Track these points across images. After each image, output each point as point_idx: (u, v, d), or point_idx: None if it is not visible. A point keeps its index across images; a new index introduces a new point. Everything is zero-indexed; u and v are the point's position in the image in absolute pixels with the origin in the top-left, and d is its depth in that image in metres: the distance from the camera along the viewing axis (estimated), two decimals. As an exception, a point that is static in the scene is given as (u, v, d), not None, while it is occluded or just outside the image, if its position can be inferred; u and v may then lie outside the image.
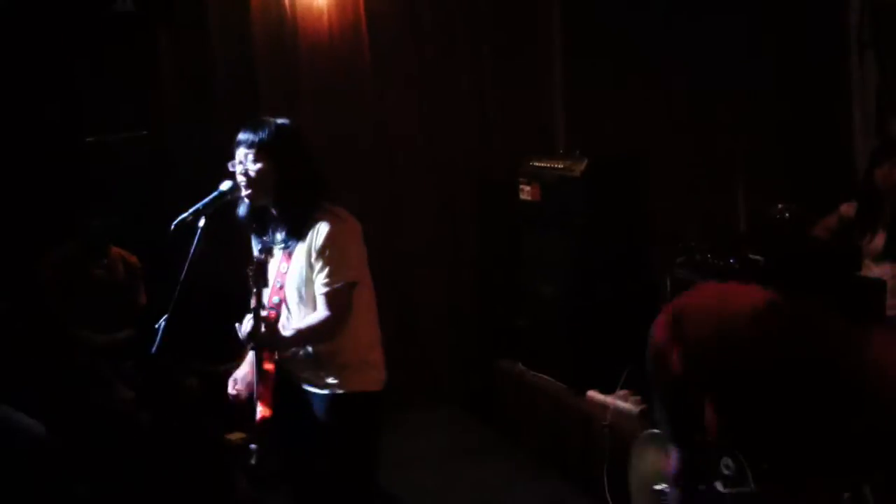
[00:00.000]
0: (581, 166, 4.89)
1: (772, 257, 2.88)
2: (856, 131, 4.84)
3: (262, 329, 3.13)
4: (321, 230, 3.16)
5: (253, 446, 3.15)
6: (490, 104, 6.15)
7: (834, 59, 4.89)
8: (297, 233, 3.21)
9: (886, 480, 2.34)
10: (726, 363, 2.49)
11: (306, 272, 3.19)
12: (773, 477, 2.45)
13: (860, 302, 2.57)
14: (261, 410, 3.14)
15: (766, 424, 2.46)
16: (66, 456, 4.30)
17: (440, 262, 6.09)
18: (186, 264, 3.09)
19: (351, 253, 3.23)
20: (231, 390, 3.38)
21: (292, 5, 5.57)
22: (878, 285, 3.46)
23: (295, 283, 3.22)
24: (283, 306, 3.27)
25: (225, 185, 3.22)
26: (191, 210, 3.13)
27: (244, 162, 3.18)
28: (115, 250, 5.03)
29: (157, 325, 3.09)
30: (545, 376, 5.26)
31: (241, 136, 3.20)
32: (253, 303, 3.12)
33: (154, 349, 3.07)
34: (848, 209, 4.52)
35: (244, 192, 3.20)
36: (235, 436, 4.61)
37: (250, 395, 3.26)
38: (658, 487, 2.93)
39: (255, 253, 3.33)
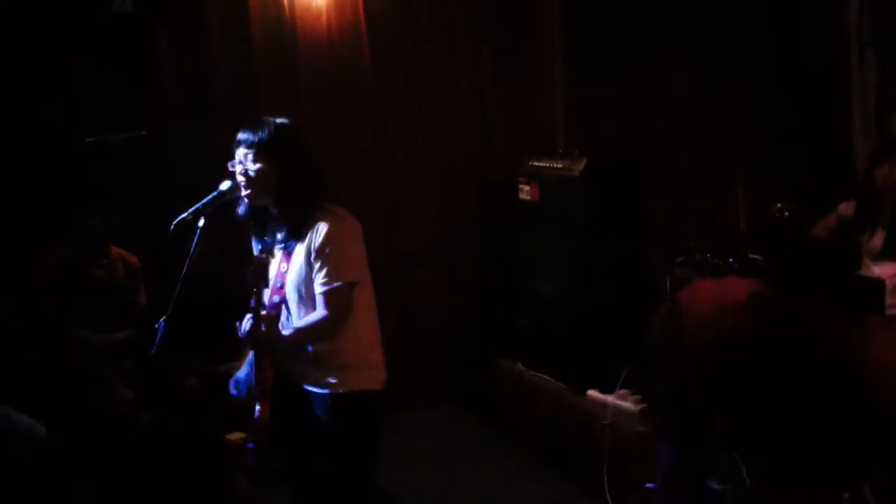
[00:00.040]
0: (580, 166, 4.89)
1: (771, 257, 2.88)
2: (855, 131, 4.84)
3: (262, 328, 3.13)
4: (320, 230, 3.16)
5: (251, 445, 3.15)
6: (490, 104, 6.15)
7: (834, 59, 4.89)
8: (297, 232, 3.21)
9: (886, 480, 2.35)
10: (724, 354, 2.50)
11: (306, 272, 3.19)
12: (768, 475, 2.45)
13: (860, 301, 2.57)
14: (259, 409, 3.14)
15: (764, 422, 2.46)
16: (66, 456, 4.30)
17: (440, 262, 6.09)
18: (186, 264, 3.08)
19: (350, 253, 3.23)
20: (233, 391, 3.38)
21: (291, 5, 5.57)
22: (878, 284, 3.47)
23: (295, 283, 3.22)
24: (283, 306, 3.27)
25: (224, 185, 3.22)
26: (190, 210, 3.13)
27: (244, 162, 3.18)
28: (115, 250, 5.03)
29: (156, 325, 3.09)
30: (545, 376, 5.26)
31: (241, 136, 3.20)
32: (253, 302, 3.12)
33: (154, 349, 3.07)
34: (846, 208, 4.53)
35: (244, 192, 3.20)
36: (235, 436, 4.61)
37: (251, 396, 3.26)
38: (650, 486, 2.93)
39: (256, 253, 3.34)
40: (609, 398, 4.52)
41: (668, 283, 4.01)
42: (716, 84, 5.32)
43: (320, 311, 3.19)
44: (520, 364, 5.52)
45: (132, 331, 4.94)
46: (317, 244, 3.16)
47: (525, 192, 5.33)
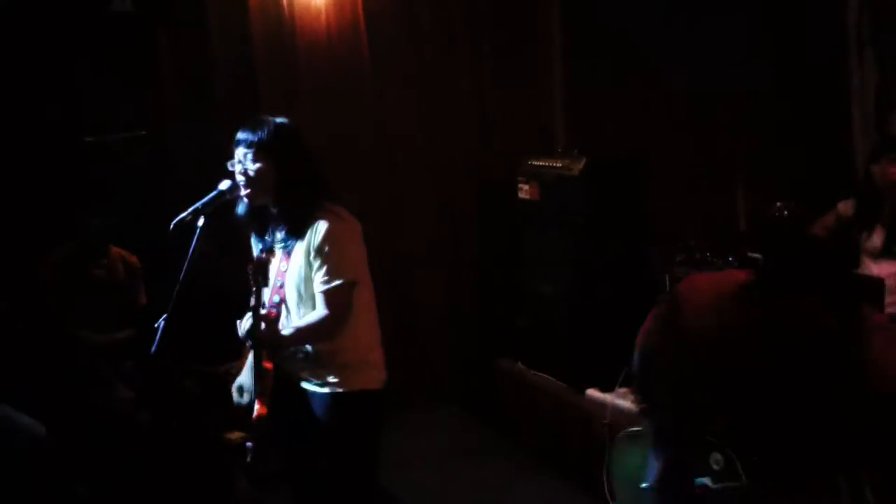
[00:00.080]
0: (579, 165, 4.90)
1: (771, 256, 2.87)
2: (855, 130, 4.84)
3: (262, 328, 3.14)
4: (320, 229, 3.16)
5: (249, 444, 3.15)
6: (490, 104, 6.14)
7: (833, 59, 4.89)
8: (297, 232, 3.21)
9: (886, 479, 2.34)
10: (723, 344, 2.49)
11: (305, 271, 3.20)
12: (765, 471, 2.44)
13: (858, 299, 2.57)
14: (257, 408, 3.14)
15: (762, 418, 2.46)
16: (66, 456, 4.30)
17: (440, 261, 6.09)
18: (185, 264, 3.08)
19: (350, 252, 3.23)
20: (236, 398, 3.38)
21: (290, 5, 5.57)
22: (877, 283, 3.48)
23: (294, 282, 3.22)
24: (283, 305, 3.28)
25: (224, 185, 3.23)
26: (190, 209, 3.13)
27: (243, 161, 3.18)
28: (115, 250, 5.03)
29: (156, 325, 3.09)
30: (545, 375, 5.26)
31: (241, 136, 3.20)
32: (253, 301, 3.12)
33: (153, 349, 3.07)
34: (845, 207, 4.54)
35: (243, 192, 3.20)
36: (235, 435, 4.62)
37: (252, 399, 3.26)
38: (643, 485, 2.92)
39: (256, 252, 3.34)
40: (608, 397, 4.52)
41: (667, 282, 4.02)
42: (716, 84, 5.32)
43: (320, 311, 3.19)
44: (519, 363, 5.52)
45: (132, 331, 4.94)
46: (316, 243, 3.16)
47: (524, 191, 5.33)
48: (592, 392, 4.79)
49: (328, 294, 3.17)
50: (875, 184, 4.41)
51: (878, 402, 2.32)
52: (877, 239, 4.39)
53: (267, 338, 3.17)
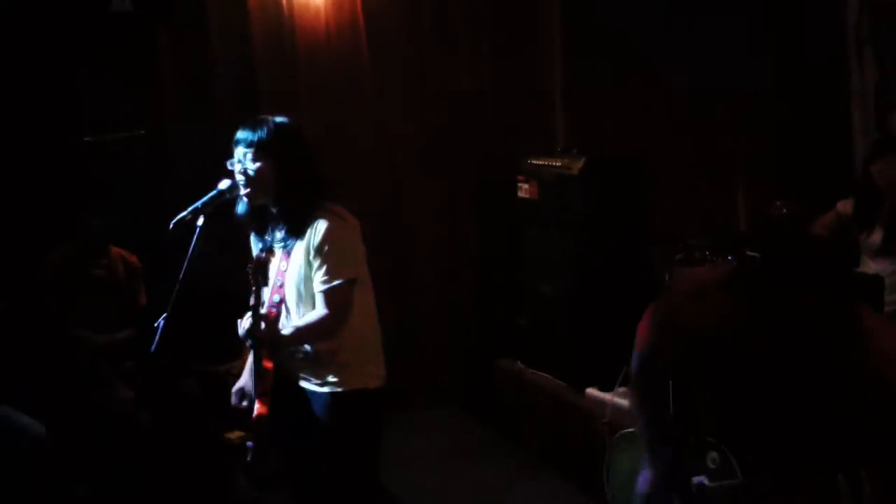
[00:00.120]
0: (579, 164, 4.90)
1: (768, 254, 2.88)
2: (855, 130, 4.84)
3: (262, 327, 3.13)
4: (320, 228, 3.16)
5: (249, 444, 3.15)
6: (490, 104, 6.15)
7: (833, 59, 4.89)
8: (297, 231, 3.21)
9: (883, 468, 2.34)
10: (722, 345, 2.50)
11: (305, 270, 3.19)
12: (761, 467, 2.44)
13: (858, 298, 2.57)
14: (257, 408, 3.13)
15: (761, 415, 2.46)
16: (66, 456, 4.30)
17: (440, 261, 6.09)
18: (185, 263, 3.08)
19: (350, 251, 3.23)
20: (234, 401, 3.38)
21: (289, 4, 5.58)
22: (876, 282, 3.48)
23: (294, 282, 3.22)
24: (283, 305, 3.27)
25: (223, 184, 3.22)
26: (189, 209, 3.12)
27: (243, 161, 3.18)
28: (115, 250, 5.03)
29: (156, 325, 3.08)
30: (545, 375, 5.27)
31: (240, 135, 3.19)
32: (252, 301, 3.12)
33: (153, 348, 3.07)
34: (845, 206, 4.54)
35: (243, 191, 3.20)
36: (235, 434, 4.61)
37: (252, 402, 3.25)
38: (640, 491, 2.92)
39: (255, 251, 3.33)
40: (608, 396, 4.52)
41: (667, 282, 4.01)
42: (716, 84, 5.31)
43: (320, 310, 3.19)
44: (519, 363, 5.52)
45: (132, 331, 4.94)
46: (316, 243, 3.15)
47: (524, 190, 5.34)
48: (592, 391, 4.80)
49: (328, 293, 3.17)
50: (874, 183, 4.42)
51: (879, 400, 2.33)
52: (876, 238, 4.40)
53: (267, 337, 3.16)
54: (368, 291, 3.34)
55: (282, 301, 3.26)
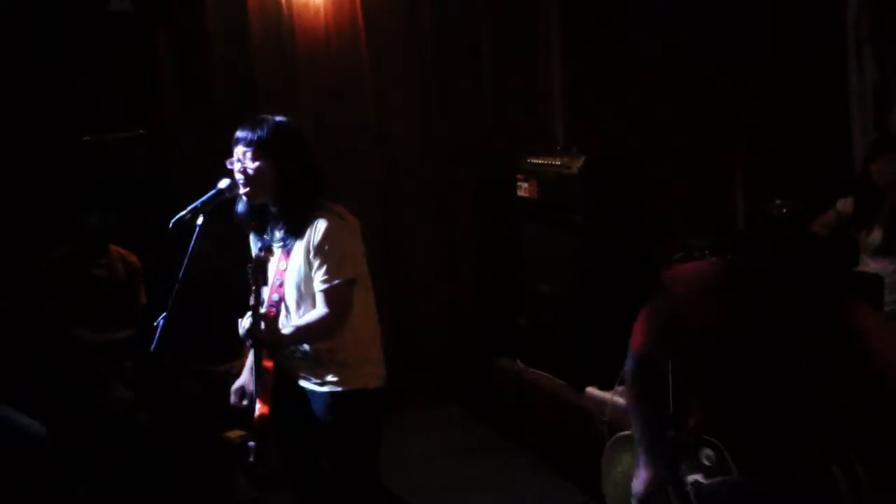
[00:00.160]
0: (578, 163, 4.90)
1: (770, 254, 2.88)
2: (854, 129, 4.84)
3: (262, 327, 3.13)
4: (319, 228, 3.16)
5: (251, 444, 3.15)
6: (490, 104, 6.15)
7: (833, 59, 4.89)
8: (296, 231, 3.21)
9: (882, 465, 2.35)
10: (723, 344, 2.51)
11: (305, 270, 3.20)
12: (758, 463, 2.45)
13: (857, 297, 2.57)
14: (259, 408, 3.14)
15: (756, 412, 2.47)
16: (66, 456, 4.30)
17: (439, 261, 6.09)
18: (185, 262, 3.08)
19: (350, 251, 3.23)
20: (234, 400, 3.38)
21: (289, 4, 5.58)
22: (876, 281, 3.48)
23: (294, 281, 3.22)
24: (283, 304, 3.27)
25: (223, 183, 3.22)
26: (189, 208, 3.12)
27: (242, 160, 3.18)
28: (115, 250, 5.02)
29: (155, 324, 3.08)
30: (544, 374, 5.27)
31: (240, 134, 3.20)
32: (252, 301, 3.12)
33: (152, 348, 3.07)
34: (844, 205, 4.54)
35: (242, 191, 3.20)
36: (234, 433, 4.62)
37: (252, 402, 3.25)
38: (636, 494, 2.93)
39: (255, 251, 3.34)
40: (608, 395, 4.52)
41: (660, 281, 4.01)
42: (715, 84, 5.31)
43: (321, 310, 3.19)
44: (519, 362, 5.52)
45: (132, 330, 4.93)
46: (316, 242, 3.16)
47: (524, 189, 5.34)
48: (592, 390, 4.80)
49: (328, 293, 3.17)
50: (874, 182, 4.42)
51: (878, 399, 2.33)
52: (876, 237, 4.40)
53: (267, 337, 3.16)
54: (368, 291, 3.35)
55: (281, 300, 3.26)
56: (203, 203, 3.15)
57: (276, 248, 3.28)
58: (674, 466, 2.58)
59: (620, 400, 4.43)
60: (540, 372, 5.31)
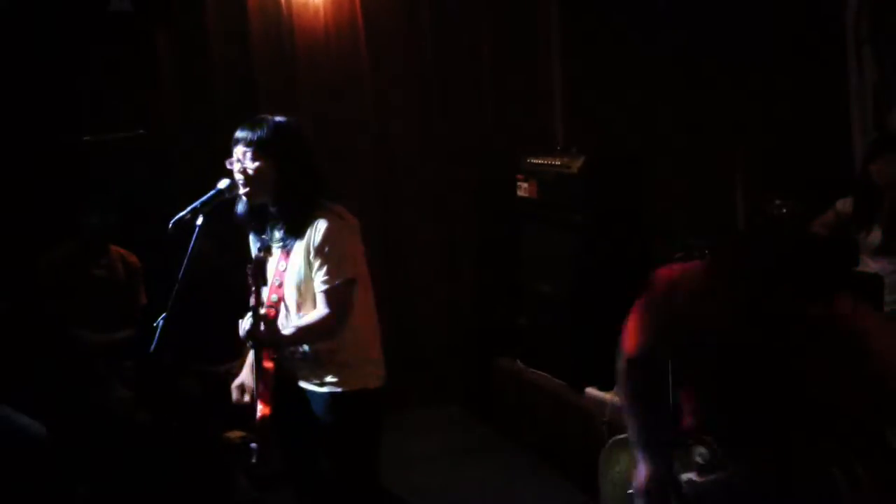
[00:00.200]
0: (578, 163, 4.90)
1: (770, 254, 2.88)
2: (854, 129, 4.84)
3: (262, 327, 3.13)
4: (319, 228, 3.16)
5: (253, 445, 3.15)
6: (490, 104, 6.15)
7: (832, 58, 4.89)
8: (296, 231, 3.21)
9: (882, 464, 2.35)
10: (724, 344, 2.51)
11: (305, 270, 3.19)
12: (755, 461, 2.45)
13: (857, 296, 2.57)
14: (260, 409, 3.14)
15: (755, 410, 2.47)
16: (66, 456, 4.30)
17: (439, 261, 6.09)
18: (184, 262, 3.08)
19: (350, 251, 3.23)
20: (235, 396, 3.38)
21: (288, 4, 5.58)
22: (876, 281, 3.48)
23: (293, 282, 3.22)
24: (282, 304, 3.27)
25: (222, 184, 3.22)
26: (188, 208, 3.11)
27: (242, 160, 3.17)
28: (115, 250, 5.03)
29: (155, 324, 3.08)
30: (544, 374, 5.27)
31: (239, 134, 3.19)
32: (252, 301, 3.12)
33: (152, 348, 3.07)
34: (844, 205, 4.54)
35: (242, 191, 3.20)
36: (234, 434, 4.62)
37: (253, 398, 3.25)
38: (631, 490, 2.93)
39: (254, 251, 3.33)
40: (608, 395, 4.52)
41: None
42: (715, 83, 5.31)
43: (321, 310, 3.19)
44: (519, 362, 5.52)
45: (132, 331, 4.94)
46: (316, 242, 3.15)
47: (523, 189, 5.34)
48: (592, 390, 4.80)
49: (329, 293, 3.17)
50: (873, 182, 4.42)
51: (878, 399, 2.33)
52: (875, 237, 4.40)
53: (267, 338, 3.16)
54: (368, 291, 3.34)
55: (280, 301, 3.26)
56: (202, 203, 3.14)
57: (276, 249, 3.28)
58: (670, 465, 2.59)
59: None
60: (540, 372, 5.31)
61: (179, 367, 4.82)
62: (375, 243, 3.47)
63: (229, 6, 5.55)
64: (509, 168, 5.51)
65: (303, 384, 3.29)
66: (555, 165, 5.06)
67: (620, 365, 2.77)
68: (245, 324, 3.16)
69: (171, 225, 3.08)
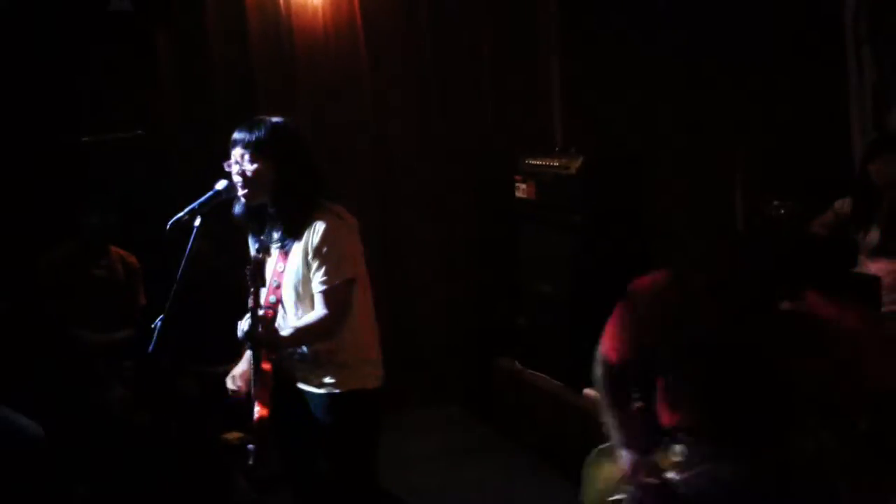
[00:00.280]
0: (576, 164, 4.89)
1: (769, 255, 2.89)
2: (853, 129, 4.84)
3: (260, 328, 3.13)
4: (318, 228, 3.16)
5: (251, 447, 3.15)
6: (489, 104, 6.14)
7: (832, 58, 4.89)
8: (294, 232, 3.20)
9: (873, 452, 2.36)
10: (718, 345, 2.52)
11: (303, 271, 3.19)
12: (752, 460, 2.45)
13: (855, 297, 2.58)
14: (258, 410, 3.13)
15: (746, 406, 2.48)
16: (65, 456, 4.30)
17: (438, 261, 6.09)
18: (183, 263, 3.08)
19: (349, 251, 3.23)
20: (230, 386, 3.38)
21: (287, 4, 5.58)
22: (874, 282, 3.48)
23: (292, 282, 3.22)
24: (280, 306, 3.27)
25: (220, 185, 3.22)
26: (186, 209, 3.11)
27: (240, 162, 3.17)
28: (115, 250, 5.03)
29: (153, 325, 3.09)
30: (543, 374, 5.27)
31: (237, 136, 3.19)
32: (250, 302, 3.12)
33: (150, 349, 3.07)
34: (843, 205, 4.54)
35: (240, 192, 3.19)
36: (232, 435, 4.62)
37: (249, 392, 3.25)
38: (613, 498, 2.93)
39: (253, 252, 3.33)
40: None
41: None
42: (715, 83, 5.31)
43: (320, 311, 3.18)
44: (518, 363, 5.52)
45: (131, 331, 4.94)
46: (315, 243, 3.15)
47: (522, 190, 5.33)
48: (591, 391, 4.79)
49: (327, 293, 3.16)
50: (872, 182, 4.42)
51: (878, 399, 2.34)
52: (874, 237, 4.39)
53: (265, 339, 3.16)
54: (367, 291, 3.34)
55: (278, 302, 3.26)
56: (200, 204, 3.14)
57: (274, 250, 3.27)
58: (652, 463, 2.60)
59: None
60: (539, 373, 5.30)
61: (178, 367, 4.82)
62: (374, 243, 3.47)
63: (229, 6, 5.55)
64: (508, 168, 5.51)
65: (301, 385, 3.29)
66: (553, 166, 5.06)
67: (598, 369, 2.78)
68: (243, 325, 3.16)
69: (168, 226, 3.08)
